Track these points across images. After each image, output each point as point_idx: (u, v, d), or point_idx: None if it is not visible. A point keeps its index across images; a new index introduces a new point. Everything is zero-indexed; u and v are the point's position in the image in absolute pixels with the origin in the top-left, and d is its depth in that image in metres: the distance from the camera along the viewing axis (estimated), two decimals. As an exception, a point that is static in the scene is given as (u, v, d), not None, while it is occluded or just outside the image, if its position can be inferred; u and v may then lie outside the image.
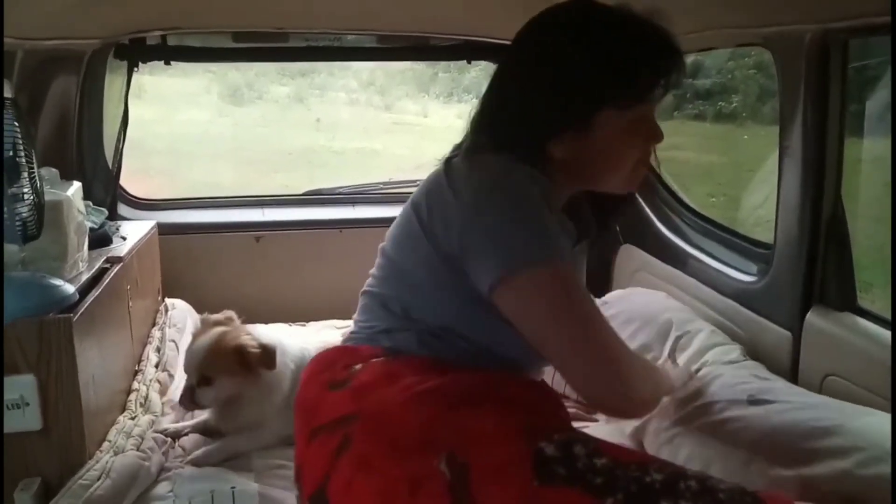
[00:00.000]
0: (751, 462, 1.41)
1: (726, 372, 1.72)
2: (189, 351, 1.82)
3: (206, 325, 1.87)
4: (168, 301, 2.59)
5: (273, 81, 8.24)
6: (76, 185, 1.90)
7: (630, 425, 1.79)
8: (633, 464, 1.01)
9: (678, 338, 1.94)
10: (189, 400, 1.79)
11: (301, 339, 2.00)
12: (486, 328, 1.17)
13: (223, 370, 1.77)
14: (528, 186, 1.13)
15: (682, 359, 1.87)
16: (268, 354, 1.79)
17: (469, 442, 1.02)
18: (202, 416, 1.92)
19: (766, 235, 2.03)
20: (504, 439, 1.03)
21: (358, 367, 1.21)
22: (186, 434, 1.87)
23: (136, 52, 2.66)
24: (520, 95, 1.22)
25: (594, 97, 1.18)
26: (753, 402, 1.53)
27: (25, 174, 1.49)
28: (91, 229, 2.03)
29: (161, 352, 2.21)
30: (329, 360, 1.30)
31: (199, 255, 2.83)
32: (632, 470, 1.00)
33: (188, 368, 1.80)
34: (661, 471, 1.01)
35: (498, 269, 1.09)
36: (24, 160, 1.48)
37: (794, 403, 1.52)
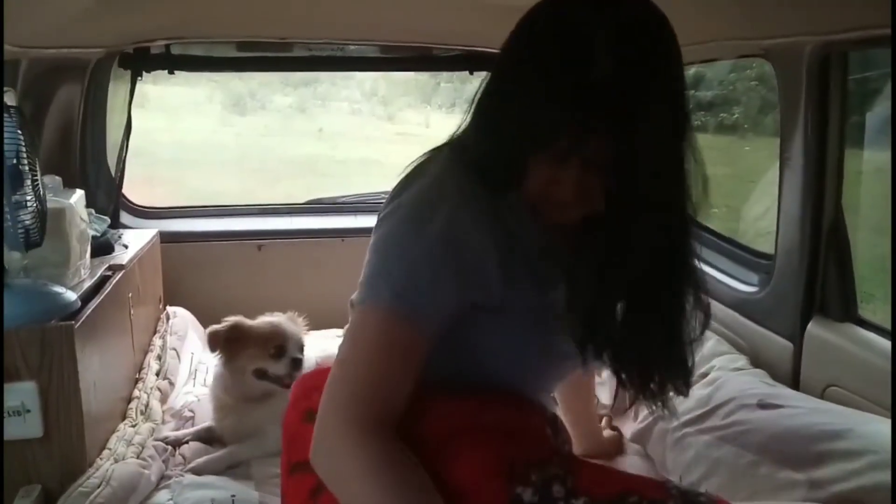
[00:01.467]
0: (759, 464, 1.41)
1: (734, 378, 1.73)
2: (287, 326, 1.96)
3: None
4: (169, 309, 2.59)
5: (276, 91, 8.27)
6: (79, 193, 1.90)
7: (633, 428, 1.80)
8: (612, 500, 0.98)
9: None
10: (298, 368, 1.90)
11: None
12: (454, 352, 1.06)
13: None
14: (436, 216, 0.99)
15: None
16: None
17: (446, 495, 0.96)
18: (203, 424, 1.92)
19: (767, 246, 2.03)
20: (479, 490, 0.97)
21: None
22: (187, 442, 1.87)
23: (140, 62, 2.67)
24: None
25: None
26: (763, 405, 1.54)
27: (28, 182, 1.49)
28: (93, 237, 2.03)
29: (162, 360, 2.21)
30: (309, 386, 1.20)
31: (201, 264, 2.83)
32: None
33: (295, 343, 1.93)
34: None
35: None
36: (27, 168, 1.49)
37: (804, 408, 1.52)
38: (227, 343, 1.89)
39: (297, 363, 1.89)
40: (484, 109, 1.06)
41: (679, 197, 1.01)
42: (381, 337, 0.99)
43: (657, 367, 1.11)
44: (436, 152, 1.12)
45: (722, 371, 1.80)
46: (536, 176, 1.00)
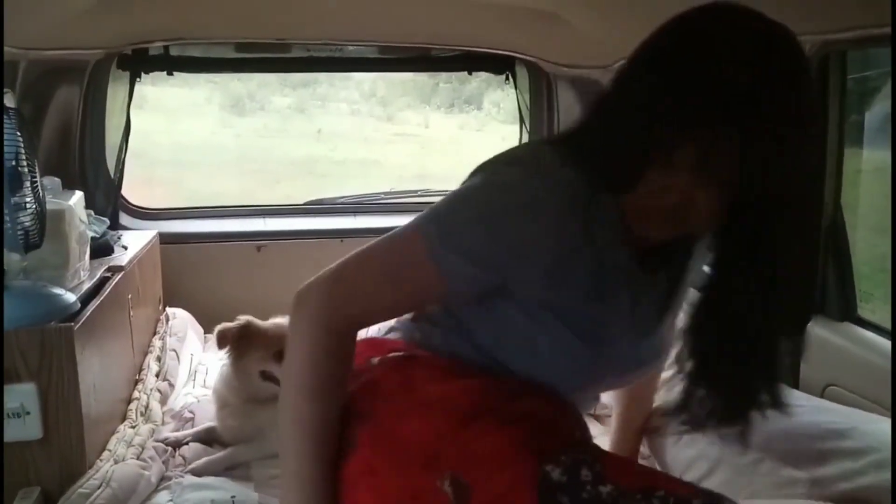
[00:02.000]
0: (761, 462, 1.40)
1: None
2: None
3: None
4: (169, 310, 2.59)
5: (275, 92, 8.26)
6: (78, 195, 1.90)
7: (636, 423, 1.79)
8: (638, 492, 0.97)
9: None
10: None
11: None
12: (494, 333, 1.11)
13: None
14: (522, 189, 1.00)
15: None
16: None
17: (473, 463, 0.98)
18: (203, 425, 1.92)
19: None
20: (509, 462, 0.98)
21: (375, 360, 1.16)
22: (187, 443, 1.87)
23: (139, 63, 2.67)
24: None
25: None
26: None
27: (28, 183, 1.49)
28: (93, 238, 2.03)
29: (161, 361, 2.21)
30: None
31: (200, 265, 2.83)
32: (636, 500, 0.96)
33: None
34: (664, 499, 0.96)
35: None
36: (26, 169, 1.49)
37: (807, 407, 1.51)
38: (237, 342, 1.88)
39: None
40: (612, 108, 1.03)
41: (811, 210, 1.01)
42: (404, 265, 1.03)
43: (753, 388, 1.09)
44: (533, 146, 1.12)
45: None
46: (650, 183, 0.97)
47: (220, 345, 1.90)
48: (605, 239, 1.03)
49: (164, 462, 1.71)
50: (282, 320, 1.90)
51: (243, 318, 1.91)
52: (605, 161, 1.00)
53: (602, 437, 1.68)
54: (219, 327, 1.92)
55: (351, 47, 2.90)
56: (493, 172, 1.06)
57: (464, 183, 1.08)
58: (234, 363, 1.89)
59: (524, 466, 0.97)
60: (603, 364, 1.12)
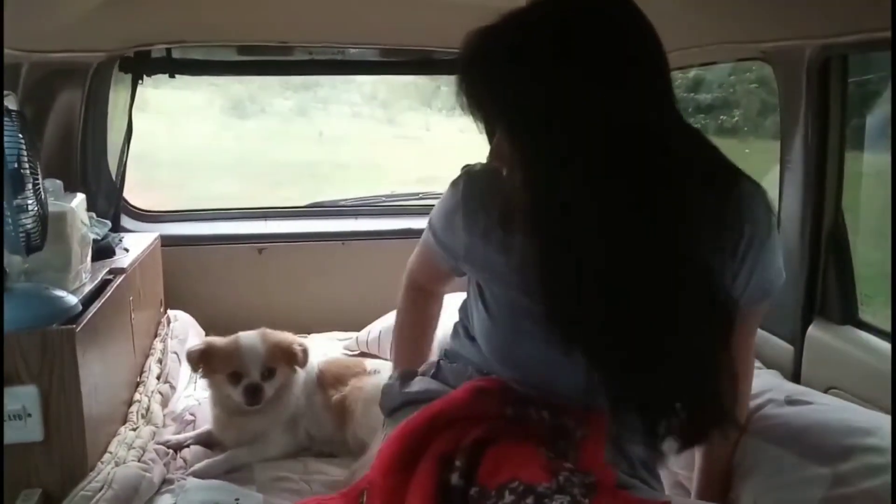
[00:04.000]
0: (783, 458, 1.38)
1: (759, 374, 1.71)
2: (246, 349, 1.84)
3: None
4: (170, 313, 2.59)
5: (276, 95, 8.25)
6: (80, 197, 1.91)
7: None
8: (493, 490, 1.06)
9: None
10: (253, 395, 1.82)
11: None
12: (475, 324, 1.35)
13: (282, 361, 1.88)
14: (459, 183, 1.31)
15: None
16: (305, 352, 1.92)
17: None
18: (204, 427, 1.92)
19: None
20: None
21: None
22: (188, 446, 1.87)
23: (141, 65, 2.68)
24: None
25: None
26: (791, 402, 1.51)
27: (30, 185, 1.50)
28: (94, 241, 2.03)
29: (163, 363, 2.21)
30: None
31: (202, 267, 2.83)
32: (491, 498, 1.06)
33: (251, 364, 1.83)
34: (515, 489, 1.04)
35: None
36: (28, 171, 1.49)
37: (833, 406, 1.50)
38: (201, 364, 1.88)
39: (251, 389, 1.82)
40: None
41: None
42: (422, 246, 1.46)
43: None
44: None
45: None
46: None
47: (191, 367, 1.93)
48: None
49: (165, 464, 1.71)
50: (241, 336, 1.88)
51: (205, 341, 1.91)
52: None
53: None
54: (186, 350, 1.94)
55: (353, 50, 2.91)
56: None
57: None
58: (207, 381, 1.90)
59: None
60: (521, 339, 1.24)
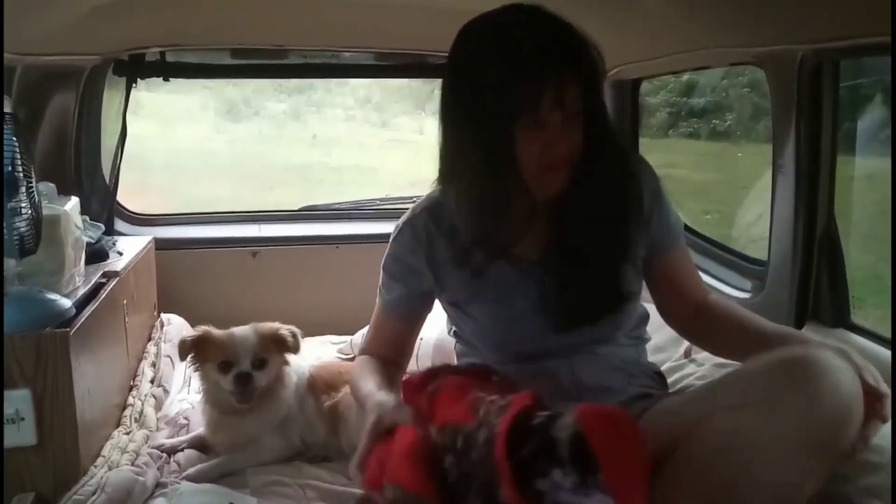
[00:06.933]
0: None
1: None
2: (238, 339, 1.83)
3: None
4: (164, 316, 2.58)
5: (270, 98, 8.26)
6: (74, 200, 1.90)
7: None
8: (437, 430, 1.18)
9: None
10: (245, 387, 1.79)
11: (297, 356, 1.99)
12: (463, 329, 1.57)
13: (273, 351, 1.86)
14: (395, 234, 1.55)
15: (700, 355, 1.89)
16: (296, 336, 1.91)
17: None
18: (197, 431, 1.92)
19: (760, 252, 2.04)
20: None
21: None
22: (182, 450, 1.86)
23: (135, 69, 2.67)
24: None
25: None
26: None
27: (24, 188, 1.49)
28: (88, 244, 2.03)
29: (156, 367, 2.20)
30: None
31: (195, 271, 2.83)
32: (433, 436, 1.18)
33: (242, 353, 1.81)
34: (443, 428, 1.17)
35: None
36: (22, 175, 1.49)
37: None
38: (195, 352, 1.86)
39: (242, 378, 1.79)
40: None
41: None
42: (375, 313, 1.61)
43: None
44: None
45: (733, 366, 1.79)
46: (527, 150, 1.28)
47: (180, 356, 1.89)
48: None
49: (158, 468, 1.71)
50: (237, 329, 1.87)
51: (201, 329, 1.89)
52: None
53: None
54: (179, 339, 1.91)
55: (347, 53, 2.92)
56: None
57: None
58: (198, 374, 1.88)
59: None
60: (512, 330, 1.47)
